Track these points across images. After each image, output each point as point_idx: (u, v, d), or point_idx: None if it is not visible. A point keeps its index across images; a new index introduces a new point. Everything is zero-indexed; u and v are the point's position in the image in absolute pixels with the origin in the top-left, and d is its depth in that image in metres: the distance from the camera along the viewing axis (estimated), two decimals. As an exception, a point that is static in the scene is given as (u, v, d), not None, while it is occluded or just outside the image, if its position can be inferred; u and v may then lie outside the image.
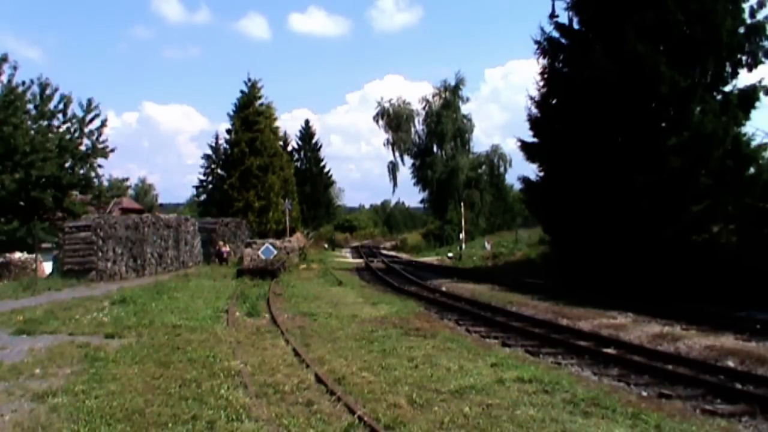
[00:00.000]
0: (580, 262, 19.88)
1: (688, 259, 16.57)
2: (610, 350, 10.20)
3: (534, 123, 22.16)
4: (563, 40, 21.55)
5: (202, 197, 47.24)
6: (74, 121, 28.14)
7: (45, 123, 27.81)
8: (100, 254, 20.41)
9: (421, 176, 53.65)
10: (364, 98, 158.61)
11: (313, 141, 62.84)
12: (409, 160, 54.94)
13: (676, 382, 8.22)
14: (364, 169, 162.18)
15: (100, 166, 29.09)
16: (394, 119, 53.69)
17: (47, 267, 22.79)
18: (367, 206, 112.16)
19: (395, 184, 56.59)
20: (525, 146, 22.43)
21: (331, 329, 11.16)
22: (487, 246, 33.40)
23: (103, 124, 28.61)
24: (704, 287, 15.53)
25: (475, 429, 5.62)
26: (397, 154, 54.67)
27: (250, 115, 40.63)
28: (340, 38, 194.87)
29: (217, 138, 45.56)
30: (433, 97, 53.64)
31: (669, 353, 9.91)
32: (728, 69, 18.89)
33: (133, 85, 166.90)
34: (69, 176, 27.27)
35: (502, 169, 56.10)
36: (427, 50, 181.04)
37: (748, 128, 18.38)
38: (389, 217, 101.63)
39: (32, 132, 26.56)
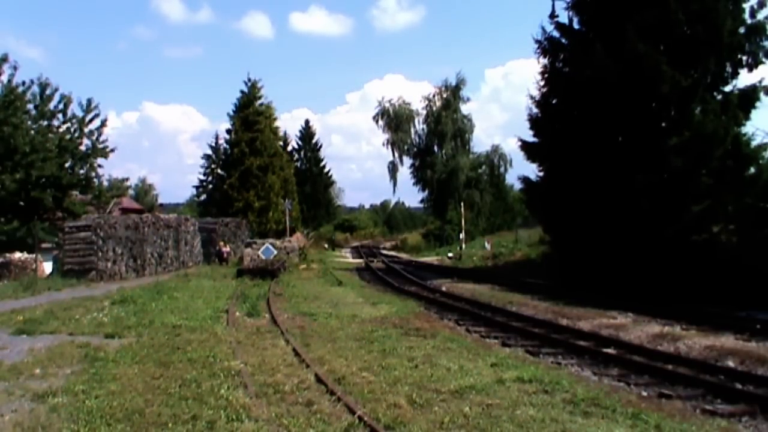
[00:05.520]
0: (580, 262, 19.87)
1: (689, 259, 16.56)
2: (610, 350, 10.20)
3: (534, 123, 22.15)
4: (564, 40, 21.55)
5: (202, 197, 47.27)
6: (74, 121, 28.10)
7: (45, 123, 27.76)
8: (100, 254, 20.42)
9: (421, 176, 53.52)
10: (364, 98, 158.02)
11: (313, 141, 62.93)
12: (409, 160, 54.78)
13: (676, 382, 8.21)
14: (364, 169, 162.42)
15: (100, 166, 29.07)
16: (394, 119, 53.54)
17: (47, 267, 22.78)
18: (367, 206, 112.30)
19: (395, 184, 56.48)
20: (525, 146, 22.43)
21: (331, 329, 11.17)
22: (487, 246, 33.36)
23: (103, 124, 28.60)
24: (704, 287, 15.53)
25: (475, 429, 5.62)
26: (397, 154, 54.49)
27: (250, 115, 40.69)
28: (341, 37, 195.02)
29: (217, 138, 45.67)
30: (434, 97, 53.49)
31: (669, 353, 9.91)
32: (729, 69, 18.92)
33: (133, 85, 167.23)
34: (69, 176, 27.24)
35: (502, 169, 55.86)
36: (428, 50, 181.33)
37: (748, 128, 18.46)
38: (389, 217, 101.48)
39: (32, 132, 26.51)
